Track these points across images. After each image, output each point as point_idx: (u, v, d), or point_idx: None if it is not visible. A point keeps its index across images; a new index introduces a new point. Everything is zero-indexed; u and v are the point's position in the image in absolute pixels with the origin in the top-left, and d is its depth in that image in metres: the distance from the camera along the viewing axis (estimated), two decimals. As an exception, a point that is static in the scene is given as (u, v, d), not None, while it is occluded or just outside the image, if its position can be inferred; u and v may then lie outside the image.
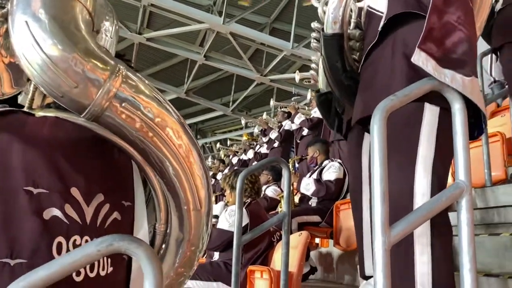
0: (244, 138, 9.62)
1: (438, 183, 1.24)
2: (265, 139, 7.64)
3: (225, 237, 3.05)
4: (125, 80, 0.80)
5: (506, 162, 2.89)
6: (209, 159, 11.18)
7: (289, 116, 7.10)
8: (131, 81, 0.81)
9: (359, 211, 1.49)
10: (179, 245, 0.92)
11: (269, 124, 7.85)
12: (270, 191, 5.08)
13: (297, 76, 6.55)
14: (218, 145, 11.37)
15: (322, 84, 1.67)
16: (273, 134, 7.30)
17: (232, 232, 2.25)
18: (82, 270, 0.79)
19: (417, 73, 1.20)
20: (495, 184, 2.64)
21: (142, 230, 0.91)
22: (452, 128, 1.22)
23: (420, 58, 1.17)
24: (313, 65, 1.71)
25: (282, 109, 7.70)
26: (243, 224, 2.98)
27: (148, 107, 0.81)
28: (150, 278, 0.62)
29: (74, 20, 0.79)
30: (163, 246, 0.95)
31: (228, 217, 3.17)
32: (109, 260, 0.84)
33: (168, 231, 0.93)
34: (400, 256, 1.20)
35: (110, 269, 0.84)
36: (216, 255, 3.23)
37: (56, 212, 0.78)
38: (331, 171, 4.10)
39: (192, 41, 11.10)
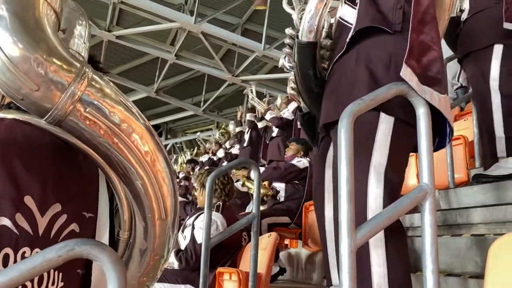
0: (217, 134, 9.53)
1: (390, 189, 1.30)
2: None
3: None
4: (91, 83, 0.77)
5: (468, 164, 2.99)
6: (179, 159, 11.07)
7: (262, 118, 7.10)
8: (97, 84, 0.78)
9: (322, 218, 1.53)
10: (142, 254, 0.89)
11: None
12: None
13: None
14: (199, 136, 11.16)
15: (303, 102, 1.69)
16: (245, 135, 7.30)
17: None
18: (29, 284, 0.75)
19: (378, 85, 1.25)
20: (458, 186, 2.73)
21: (102, 241, 0.88)
22: (405, 138, 1.28)
23: (407, 73, 1.22)
24: (292, 85, 1.72)
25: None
26: (222, 229, 2.95)
27: (114, 112, 0.79)
28: (114, 283, 0.60)
29: (38, 19, 0.74)
30: (126, 254, 0.92)
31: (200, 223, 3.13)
32: (60, 274, 0.80)
33: (131, 239, 0.90)
34: (357, 259, 1.24)
35: (61, 284, 0.80)
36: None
37: (5, 221, 0.73)
38: (295, 160, 4.11)
39: (163, 39, 10.96)
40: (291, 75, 1.73)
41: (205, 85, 12.94)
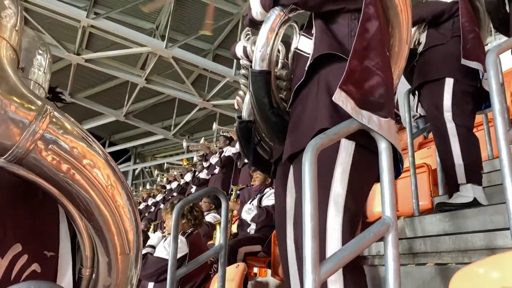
0: (184, 163, 9.52)
1: (350, 219, 1.31)
2: (205, 164, 7.59)
3: (160, 264, 2.96)
4: (53, 121, 0.76)
5: (432, 192, 3.08)
6: (148, 185, 10.89)
7: (231, 141, 7.13)
8: (59, 122, 0.78)
9: (284, 247, 1.53)
10: (106, 290, 0.88)
11: (211, 149, 7.83)
12: (209, 217, 5.04)
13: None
14: (156, 171, 11.13)
15: (245, 112, 1.73)
16: (213, 159, 7.28)
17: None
18: None
19: (339, 112, 1.27)
20: (422, 214, 2.79)
21: (65, 281, 0.85)
22: (365, 164, 1.30)
23: (340, 98, 1.24)
24: (240, 92, 1.77)
25: (224, 134, 7.72)
26: (182, 254, 2.93)
27: (76, 149, 0.78)
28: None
29: None
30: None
31: (167, 246, 3.09)
32: None
33: (94, 276, 0.88)
34: None
35: None
36: (151, 287, 3.11)
37: None
38: (271, 198, 4.14)
39: (133, 63, 10.90)
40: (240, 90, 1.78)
41: (175, 109, 12.89)
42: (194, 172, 8.08)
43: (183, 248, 2.80)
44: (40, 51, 0.99)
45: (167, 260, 2.80)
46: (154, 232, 5.74)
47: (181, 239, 2.80)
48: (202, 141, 8.13)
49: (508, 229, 1.45)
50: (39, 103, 0.75)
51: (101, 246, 0.85)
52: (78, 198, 0.81)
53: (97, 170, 0.81)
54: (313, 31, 1.45)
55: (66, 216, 0.89)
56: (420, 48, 2.81)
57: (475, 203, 2.46)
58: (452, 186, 2.64)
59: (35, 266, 0.80)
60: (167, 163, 12.20)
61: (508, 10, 2.63)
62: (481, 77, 2.57)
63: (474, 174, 2.54)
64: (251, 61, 1.49)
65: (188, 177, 8.19)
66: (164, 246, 3.13)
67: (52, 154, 0.75)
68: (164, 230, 3.91)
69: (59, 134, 0.76)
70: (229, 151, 6.95)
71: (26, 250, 0.79)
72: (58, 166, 0.76)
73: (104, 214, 0.82)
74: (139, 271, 0.92)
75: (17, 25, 0.82)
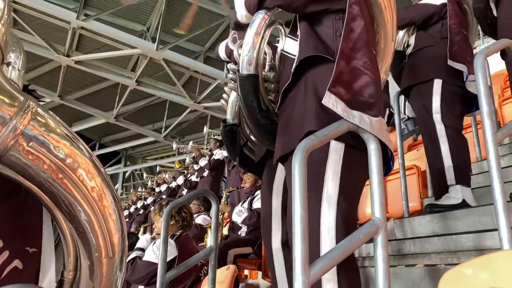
0: (176, 166, 9.48)
1: (343, 218, 1.30)
2: (196, 167, 7.56)
3: (150, 269, 2.94)
4: (35, 117, 0.75)
5: (422, 193, 3.09)
6: (139, 188, 10.83)
7: (222, 144, 7.10)
8: (41, 118, 0.76)
9: (270, 248, 1.52)
10: (89, 295, 0.85)
11: (201, 151, 7.81)
12: (200, 219, 5.01)
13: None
14: (145, 175, 11.08)
15: (229, 115, 1.73)
16: (203, 162, 7.24)
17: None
18: None
19: (327, 113, 1.27)
20: (412, 215, 2.80)
21: (47, 278, 0.84)
22: (356, 164, 1.30)
23: (330, 100, 1.24)
24: (224, 95, 1.78)
25: (214, 137, 7.70)
26: (172, 257, 2.91)
27: (59, 147, 0.76)
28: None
29: None
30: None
31: (156, 249, 3.07)
32: None
33: (76, 279, 0.86)
34: None
35: None
36: (141, 291, 3.08)
37: None
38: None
39: (123, 65, 10.85)
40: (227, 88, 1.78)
41: (166, 111, 12.83)
42: (186, 175, 8.06)
43: (172, 251, 2.79)
44: (14, 48, 0.97)
45: (156, 264, 2.78)
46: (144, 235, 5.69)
47: (170, 242, 2.78)
48: (191, 144, 8.10)
49: (496, 230, 1.45)
50: (21, 98, 0.73)
51: (84, 249, 0.83)
52: (61, 199, 0.79)
53: (81, 171, 0.79)
54: (298, 32, 1.45)
55: None
56: (409, 50, 2.83)
57: (464, 205, 2.47)
58: (439, 188, 2.65)
59: (16, 263, 0.79)
60: (158, 165, 12.12)
61: (495, 15, 2.65)
62: (465, 79, 2.60)
63: (463, 175, 2.55)
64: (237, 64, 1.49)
65: (180, 180, 8.15)
66: (153, 249, 3.10)
67: (33, 151, 0.73)
68: (153, 232, 3.88)
69: (41, 131, 0.74)
70: (219, 154, 6.93)
71: (8, 246, 0.78)
72: (39, 164, 0.74)
73: (87, 215, 0.80)
74: (124, 274, 0.90)
75: (3, 18, 0.80)
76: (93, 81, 12.09)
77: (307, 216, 1.04)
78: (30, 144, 0.74)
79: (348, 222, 1.32)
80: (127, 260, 3.18)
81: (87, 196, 0.79)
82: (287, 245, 1.48)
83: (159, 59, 9.55)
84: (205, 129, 8.94)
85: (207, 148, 7.89)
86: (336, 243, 1.25)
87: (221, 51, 1.82)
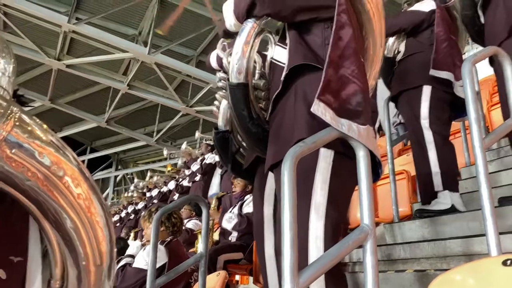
0: (168, 169, 9.44)
1: (332, 226, 1.30)
2: (188, 172, 7.53)
3: (140, 275, 2.92)
4: (18, 123, 0.73)
5: (411, 198, 3.11)
6: (130, 192, 10.76)
7: (213, 149, 7.09)
8: (25, 125, 0.74)
9: (262, 256, 1.52)
10: (77, 304, 0.84)
11: (192, 156, 7.78)
12: (191, 224, 4.99)
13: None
14: (135, 180, 11.03)
15: (221, 121, 1.73)
16: (194, 167, 7.22)
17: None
18: None
19: (317, 121, 1.27)
20: (402, 220, 2.81)
21: (34, 286, 0.82)
22: (345, 171, 1.30)
23: (319, 108, 1.24)
24: (215, 102, 1.78)
25: (206, 141, 7.69)
26: (162, 263, 2.89)
27: (43, 154, 0.75)
28: None
29: None
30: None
31: (146, 256, 3.04)
32: None
33: (64, 288, 0.85)
34: None
35: None
36: (131, 297, 3.05)
37: None
38: (252, 205, 4.12)
39: (115, 69, 10.80)
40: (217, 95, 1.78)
41: (158, 115, 12.79)
42: (178, 180, 8.02)
43: (162, 257, 2.77)
44: (4, 54, 0.96)
45: (146, 270, 2.76)
46: (134, 240, 5.65)
47: (160, 248, 2.76)
48: (184, 145, 8.06)
49: (484, 235, 1.46)
50: (4, 104, 0.72)
51: (71, 258, 0.81)
52: (46, 207, 0.77)
53: (67, 177, 0.78)
54: (288, 40, 1.45)
55: None
56: (399, 57, 2.85)
57: (453, 210, 2.49)
58: (425, 193, 2.66)
59: (0, 273, 0.77)
60: (150, 170, 12.06)
61: (483, 22, 2.68)
62: (452, 85, 2.62)
63: (451, 181, 2.57)
64: (227, 73, 1.49)
65: (171, 185, 8.12)
66: (143, 256, 3.08)
67: (17, 158, 0.72)
68: (143, 239, 3.86)
69: (25, 137, 0.73)
70: (211, 158, 6.92)
71: None
72: (23, 172, 0.73)
73: (74, 223, 0.79)
74: (112, 282, 0.89)
75: None
76: (85, 85, 12.02)
77: (296, 224, 1.04)
78: (13, 150, 0.73)
79: (337, 230, 1.32)
80: (116, 267, 3.15)
81: (73, 204, 0.78)
82: (280, 252, 1.48)
83: (151, 63, 9.53)
84: (197, 134, 8.93)
85: (198, 151, 7.87)
86: (325, 251, 1.25)
87: (213, 61, 1.82)
